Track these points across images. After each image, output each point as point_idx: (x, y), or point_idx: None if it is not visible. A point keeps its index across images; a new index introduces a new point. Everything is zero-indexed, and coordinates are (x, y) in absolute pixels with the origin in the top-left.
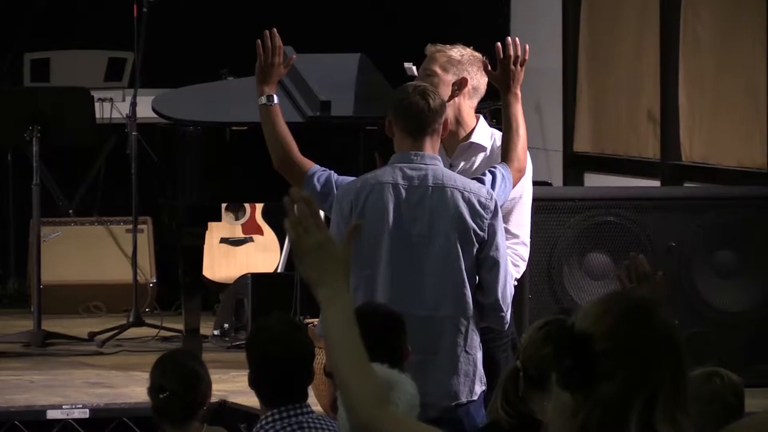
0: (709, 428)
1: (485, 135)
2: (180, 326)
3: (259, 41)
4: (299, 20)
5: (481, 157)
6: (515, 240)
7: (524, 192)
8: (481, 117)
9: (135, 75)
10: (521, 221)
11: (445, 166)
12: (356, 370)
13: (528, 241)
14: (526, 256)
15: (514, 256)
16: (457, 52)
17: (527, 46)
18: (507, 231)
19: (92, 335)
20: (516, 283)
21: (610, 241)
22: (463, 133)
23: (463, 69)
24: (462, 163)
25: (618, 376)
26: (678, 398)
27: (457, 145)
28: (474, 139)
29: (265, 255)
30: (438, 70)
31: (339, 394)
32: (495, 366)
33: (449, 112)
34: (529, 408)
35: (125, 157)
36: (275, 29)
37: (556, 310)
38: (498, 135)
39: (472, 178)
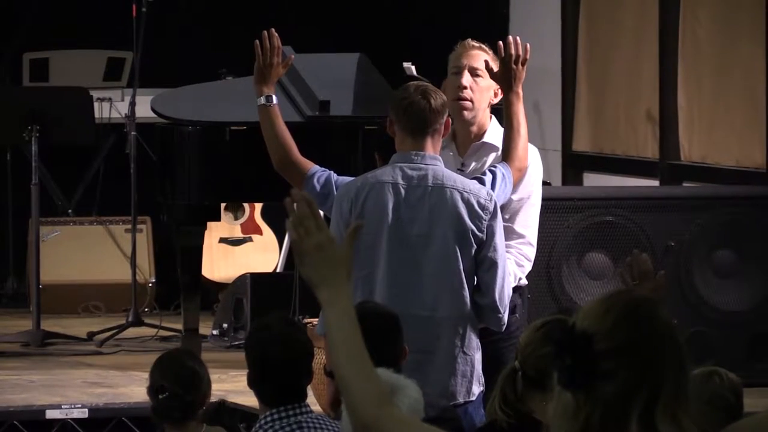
0: (709, 428)
1: (497, 135)
2: (179, 326)
3: (257, 41)
4: (299, 20)
5: (492, 157)
6: (521, 240)
7: (533, 193)
8: (494, 117)
9: (134, 75)
10: (528, 222)
11: (456, 165)
12: (358, 370)
13: (534, 241)
14: (532, 256)
15: (519, 256)
16: (490, 55)
17: (528, 45)
18: (513, 231)
19: (91, 335)
20: (526, 282)
21: (609, 241)
22: (476, 132)
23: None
24: (473, 163)
25: (619, 375)
26: (679, 397)
27: (470, 145)
28: (486, 138)
29: (264, 255)
30: (484, 73)
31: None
32: (502, 367)
33: (480, 117)
34: (527, 408)
35: (124, 156)
36: (273, 29)
37: (554, 309)
38: None
39: (472, 178)
